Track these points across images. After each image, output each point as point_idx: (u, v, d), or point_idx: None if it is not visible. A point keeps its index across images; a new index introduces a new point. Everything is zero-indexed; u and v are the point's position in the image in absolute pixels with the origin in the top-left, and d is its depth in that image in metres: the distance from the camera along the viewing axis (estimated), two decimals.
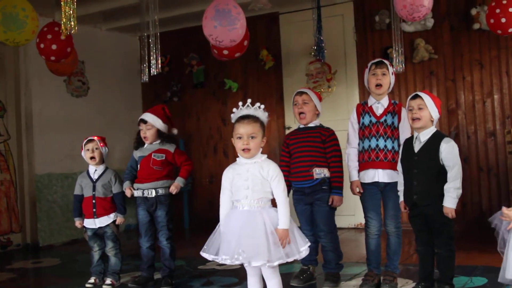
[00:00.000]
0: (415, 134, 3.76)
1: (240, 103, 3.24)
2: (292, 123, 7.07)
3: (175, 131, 4.59)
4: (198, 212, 7.89)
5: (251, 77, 7.68)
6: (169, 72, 8.17)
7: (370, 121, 4.07)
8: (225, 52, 4.90)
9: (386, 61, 4.12)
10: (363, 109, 4.15)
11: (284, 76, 7.45)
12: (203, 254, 3.15)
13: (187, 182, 7.46)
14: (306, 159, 4.24)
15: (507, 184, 5.98)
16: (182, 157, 4.59)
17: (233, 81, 7.74)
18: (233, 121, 3.25)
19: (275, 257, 3.03)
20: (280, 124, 7.40)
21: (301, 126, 4.39)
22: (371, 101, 4.13)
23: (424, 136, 3.70)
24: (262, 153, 3.24)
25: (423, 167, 3.66)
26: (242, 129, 3.16)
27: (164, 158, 4.52)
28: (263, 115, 3.23)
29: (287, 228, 3.09)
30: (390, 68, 4.10)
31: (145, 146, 4.58)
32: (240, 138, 3.16)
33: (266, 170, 3.15)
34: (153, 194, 4.47)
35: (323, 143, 4.25)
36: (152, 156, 4.51)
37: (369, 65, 4.15)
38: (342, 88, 7.06)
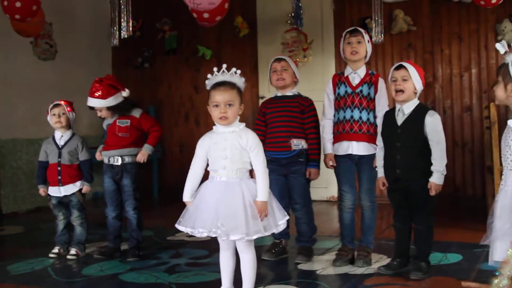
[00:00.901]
0: (398, 106, 3.65)
1: (215, 69, 3.09)
2: (266, 92, 7.01)
3: (124, 93, 4.37)
4: (168, 181, 7.82)
5: (225, 45, 7.55)
6: (140, 38, 8.00)
7: (346, 92, 3.98)
8: (206, 15, 4.72)
9: (361, 29, 4.04)
10: (339, 79, 4.06)
11: (259, 45, 7.34)
12: (178, 226, 3.05)
13: (157, 149, 7.42)
14: (283, 129, 4.14)
15: (481, 160, 5.96)
16: (148, 122, 4.45)
17: (206, 48, 7.62)
18: (208, 87, 3.11)
19: (253, 231, 2.94)
20: (254, 93, 7.29)
21: (279, 94, 4.29)
22: (347, 71, 4.03)
23: (407, 108, 3.60)
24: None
25: (407, 140, 3.57)
26: (219, 97, 3.02)
27: (129, 124, 4.38)
28: (239, 81, 3.10)
29: (266, 201, 3.00)
30: (366, 36, 4.01)
31: None
32: (216, 106, 3.02)
33: (245, 140, 3.04)
34: (119, 162, 4.36)
35: (302, 113, 4.15)
36: (117, 123, 4.39)
37: (343, 34, 4.05)
38: (318, 58, 6.97)
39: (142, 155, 4.36)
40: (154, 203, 7.46)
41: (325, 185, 6.51)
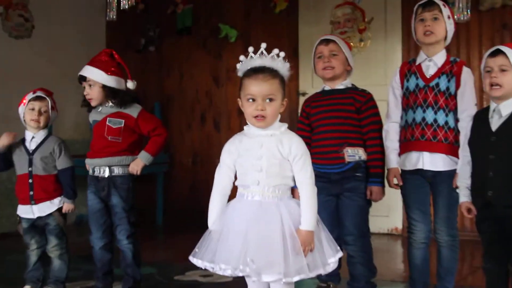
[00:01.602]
0: (493, 106, 3.55)
1: (251, 49, 3.03)
2: (309, 87, 7.03)
3: (130, 84, 4.39)
4: (176, 203, 7.86)
5: (256, 23, 7.59)
6: (144, 12, 8.08)
7: (417, 85, 3.94)
8: None
9: (438, 1, 3.96)
10: (409, 68, 4.03)
11: (300, 24, 7.39)
12: (194, 259, 3.00)
13: (163, 161, 7.42)
14: (334, 135, 4.08)
15: None
16: (150, 123, 4.40)
17: (230, 28, 7.66)
18: (239, 74, 3.08)
19: (293, 270, 2.85)
20: (292, 89, 7.25)
21: (326, 88, 4.24)
22: (420, 58, 4.00)
23: (506, 108, 3.48)
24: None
25: (505, 151, 3.45)
26: (256, 88, 2.97)
27: (122, 125, 4.33)
28: (283, 67, 3.04)
29: (313, 230, 2.94)
30: (445, 10, 3.94)
31: (100, 108, 4.41)
32: (252, 100, 2.98)
33: (287, 146, 2.99)
34: (106, 173, 4.31)
35: (358, 113, 4.09)
36: (107, 123, 4.34)
37: (415, 8, 4.02)
38: (380, 42, 6.95)
39: (136, 165, 4.31)
40: (158, 231, 7.49)
41: (385, 213, 6.45)
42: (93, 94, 4.32)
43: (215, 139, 7.60)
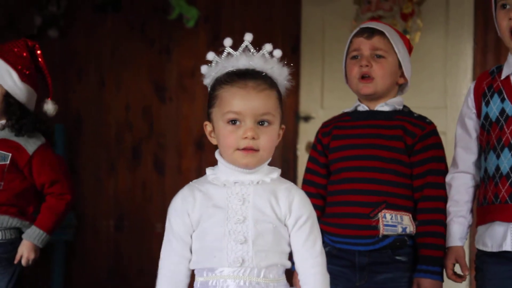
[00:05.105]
0: None
1: (228, 42, 3.02)
2: (317, 107, 7.06)
3: (49, 106, 4.59)
4: None
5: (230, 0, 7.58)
6: None
7: (502, 112, 3.87)
8: None
9: None
10: (490, 84, 3.98)
11: (304, 2, 7.30)
12: None
13: (66, 223, 7.18)
14: (365, 187, 4.03)
15: None
16: (47, 170, 4.56)
17: (188, 4, 7.63)
18: (208, 81, 3.12)
19: None
20: (289, 109, 7.19)
21: (361, 107, 4.24)
22: (509, 66, 3.91)
23: None
24: None
25: None
26: (243, 102, 2.96)
27: (7, 161, 4.43)
28: (280, 74, 3.09)
29: None
30: None
31: None
32: (234, 122, 2.95)
33: (285, 203, 3.01)
34: None
35: (409, 152, 4.06)
36: None
37: None
38: (437, 36, 7.04)
39: (27, 253, 4.38)
40: None
41: None
42: None
43: (155, 189, 7.47)
